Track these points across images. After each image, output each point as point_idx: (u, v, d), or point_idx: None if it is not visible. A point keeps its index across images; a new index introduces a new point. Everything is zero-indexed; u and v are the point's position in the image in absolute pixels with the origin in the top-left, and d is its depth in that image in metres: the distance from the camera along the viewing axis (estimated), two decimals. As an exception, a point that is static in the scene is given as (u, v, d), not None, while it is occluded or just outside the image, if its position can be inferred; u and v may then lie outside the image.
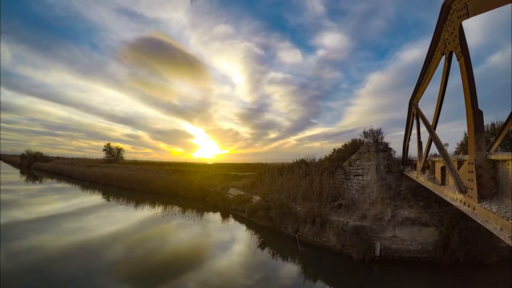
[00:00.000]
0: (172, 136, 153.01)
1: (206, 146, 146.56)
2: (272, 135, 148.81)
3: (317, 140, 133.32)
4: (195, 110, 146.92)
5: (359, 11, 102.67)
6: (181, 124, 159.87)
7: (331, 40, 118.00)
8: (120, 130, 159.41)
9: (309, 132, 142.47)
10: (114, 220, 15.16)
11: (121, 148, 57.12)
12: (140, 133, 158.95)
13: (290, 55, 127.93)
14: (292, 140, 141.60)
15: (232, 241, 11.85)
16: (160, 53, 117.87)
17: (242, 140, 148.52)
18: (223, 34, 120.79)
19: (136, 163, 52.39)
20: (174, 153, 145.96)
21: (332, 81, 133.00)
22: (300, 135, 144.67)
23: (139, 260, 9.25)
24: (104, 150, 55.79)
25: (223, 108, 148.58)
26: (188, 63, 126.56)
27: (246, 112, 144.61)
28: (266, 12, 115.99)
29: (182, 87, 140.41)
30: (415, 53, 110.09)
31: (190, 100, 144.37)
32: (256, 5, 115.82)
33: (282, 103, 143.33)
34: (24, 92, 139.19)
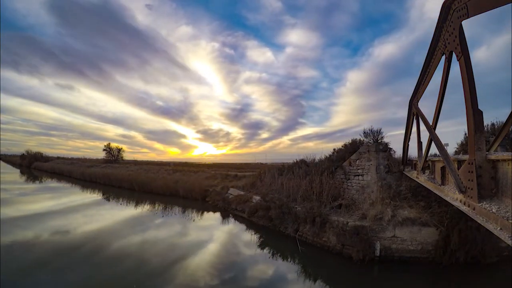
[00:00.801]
0: (165, 136, 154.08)
1: (202, 146, 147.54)
2: (264, 135, 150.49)
3: (310, 140, 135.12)
4: (179, 111, 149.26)
5: (318, 6, 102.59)
6: (170, 124, 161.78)
7: (298, 37, 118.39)
8: (112, 130, 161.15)
9: (301, 132, 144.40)
10: (100, 218, 15.38)
11: (121, 148, 57.21)
12: (133, 133, 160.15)
13: (260, 54, 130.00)
14: (285, 140, 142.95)
15: (231, 241, 11.86)
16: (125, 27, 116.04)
17: (235, 140, 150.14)
18: (187, 35, 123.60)
19: (136, 163, 52.47)
20: (171, 153, 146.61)
21: (309, 80, 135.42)
22: (292, 135, 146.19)
23: (109, 259, 9.25)
24: (104, 150, 55.91)
25: (206, 108, 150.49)
26: (161, 52, 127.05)
27: (230, 112, 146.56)
28: (223, 11, 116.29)
29: (161, 83, 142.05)
30: (389, 48, 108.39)
31: (171, 100, 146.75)
32: (210, 5, 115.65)
33: (264, 103, 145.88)
34: (12, 94, 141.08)
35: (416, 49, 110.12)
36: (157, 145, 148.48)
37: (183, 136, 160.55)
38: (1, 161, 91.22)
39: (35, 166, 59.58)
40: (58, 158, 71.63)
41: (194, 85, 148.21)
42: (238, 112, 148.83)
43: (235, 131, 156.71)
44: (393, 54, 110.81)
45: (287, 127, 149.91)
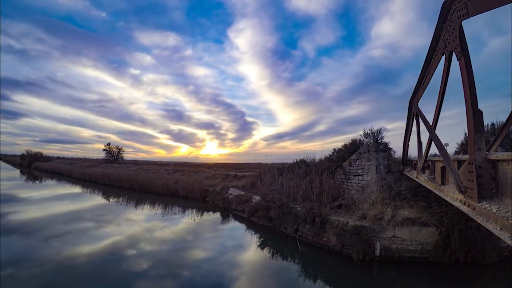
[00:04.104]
0: (137, 137, 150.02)
1: (184, 146, 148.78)
2: (230, 135, 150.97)
3: (282, 140, 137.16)
4: (123, 113, 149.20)
5: (120, 9, 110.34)
6: (127, 126, 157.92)
7: (151, 39, 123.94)
8: (84, 131, 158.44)
9: (266, 132, 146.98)
10: (52, 210, 17.00)
11: (121, 148, 57.27)
12: (106, 134, 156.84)
13: (133, 57, 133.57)
14: (259, 140, 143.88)
15: (231, 241, 11.86)
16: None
17: (208, 140, 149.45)
18: (68, 47, 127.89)
19: (136, 163, 52.55)
20: (161, 153, 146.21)
21: (210, 78, 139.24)
22: (260, 136, 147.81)
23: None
24: (104, 150, 55.96)
25: (144, 111, 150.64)
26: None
27: (167, 114, 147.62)
28: (66, 28, 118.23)
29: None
30: (248, 36, 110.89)
31: (105, 103, 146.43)
32: (48, 25, 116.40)
33: (189, 103, 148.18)
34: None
35: (289, 33, 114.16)
36: (138, 146, 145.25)
37: (155, 137, 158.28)
38: (1, 161, 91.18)
39: (35, 166, 59.51)
40: (58, 158, 71.63)
41: (111, 90, 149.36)
42: (177, 113, 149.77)
43: (198, 132, 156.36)
44: (265, 43, 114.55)
45: (243, 128, 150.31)
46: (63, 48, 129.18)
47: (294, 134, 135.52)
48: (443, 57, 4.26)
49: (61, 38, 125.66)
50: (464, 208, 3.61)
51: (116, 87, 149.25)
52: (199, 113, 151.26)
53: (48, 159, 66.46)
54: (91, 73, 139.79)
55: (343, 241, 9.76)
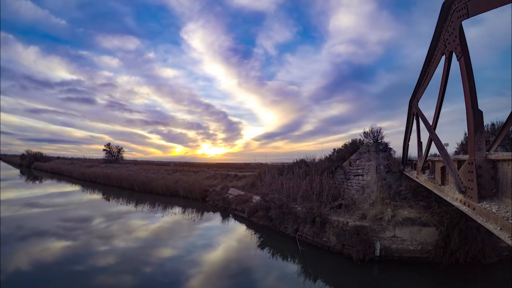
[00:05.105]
0: (129, 137, 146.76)
1: (178, 147, 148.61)
2: (220, 135, 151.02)
3: (274, 140, 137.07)
4: (108, 114, 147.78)
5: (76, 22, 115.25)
6: (116, 127, 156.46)
7: (117, 43, 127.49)
8: (74, 131, 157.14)
9: (256, 132, 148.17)
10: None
11: (121, 148, 57.27)
12: (98, 134, 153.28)
13: (108, 60, 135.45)
14: (251, 141, 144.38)
15: (232, 241, 11.86)
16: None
17: (200, 141, 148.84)
18: (39, 53, 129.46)
19: (136, 163, 52.62)
20: (157, 153, 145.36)
21: (179, 79, 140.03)
22: (250, 136, 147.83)
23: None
24: (104, 150, 55.96)
25: (128, 112, 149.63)
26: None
27: (150, 115, 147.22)
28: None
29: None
30: (197, 40, 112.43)
31: (83, 103, 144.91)
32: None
33: (169, 105, 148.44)
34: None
35: (243, 31, 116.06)
36: (133, 146, 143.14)
37: (146, 137, 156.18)
38: (1, 161, 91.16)
39: (35, 166, 59.49)
40: (58, 158, 71.58)
41: (90, 92, 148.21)
42: (160, 114, 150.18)
43: (187, 132, 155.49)
44: (222, 43, 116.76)
45: (230, 128, 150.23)
46: (37, 53, 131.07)
47: (284, 134, 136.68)
48: (443, 57, 4.26)
49: (34, 45, 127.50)
50: (464, 208, 3.61)
51: (93, 89, 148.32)
52: (181, 113, 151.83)
53: (48, 159, 66.34)
54: (67, 76, 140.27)
55: (343, 241, 9.76)
